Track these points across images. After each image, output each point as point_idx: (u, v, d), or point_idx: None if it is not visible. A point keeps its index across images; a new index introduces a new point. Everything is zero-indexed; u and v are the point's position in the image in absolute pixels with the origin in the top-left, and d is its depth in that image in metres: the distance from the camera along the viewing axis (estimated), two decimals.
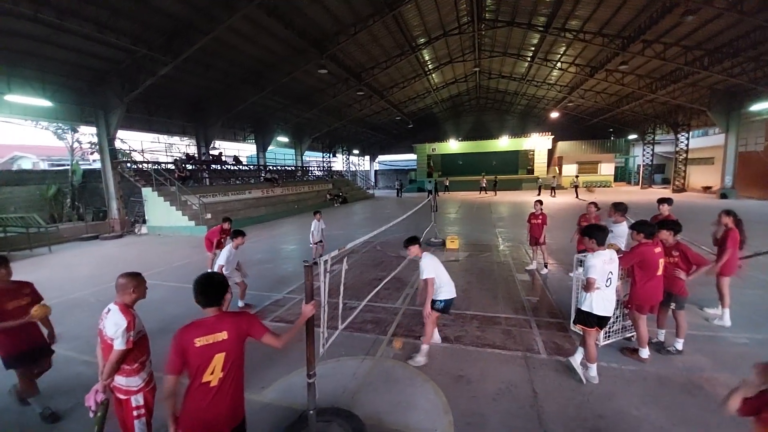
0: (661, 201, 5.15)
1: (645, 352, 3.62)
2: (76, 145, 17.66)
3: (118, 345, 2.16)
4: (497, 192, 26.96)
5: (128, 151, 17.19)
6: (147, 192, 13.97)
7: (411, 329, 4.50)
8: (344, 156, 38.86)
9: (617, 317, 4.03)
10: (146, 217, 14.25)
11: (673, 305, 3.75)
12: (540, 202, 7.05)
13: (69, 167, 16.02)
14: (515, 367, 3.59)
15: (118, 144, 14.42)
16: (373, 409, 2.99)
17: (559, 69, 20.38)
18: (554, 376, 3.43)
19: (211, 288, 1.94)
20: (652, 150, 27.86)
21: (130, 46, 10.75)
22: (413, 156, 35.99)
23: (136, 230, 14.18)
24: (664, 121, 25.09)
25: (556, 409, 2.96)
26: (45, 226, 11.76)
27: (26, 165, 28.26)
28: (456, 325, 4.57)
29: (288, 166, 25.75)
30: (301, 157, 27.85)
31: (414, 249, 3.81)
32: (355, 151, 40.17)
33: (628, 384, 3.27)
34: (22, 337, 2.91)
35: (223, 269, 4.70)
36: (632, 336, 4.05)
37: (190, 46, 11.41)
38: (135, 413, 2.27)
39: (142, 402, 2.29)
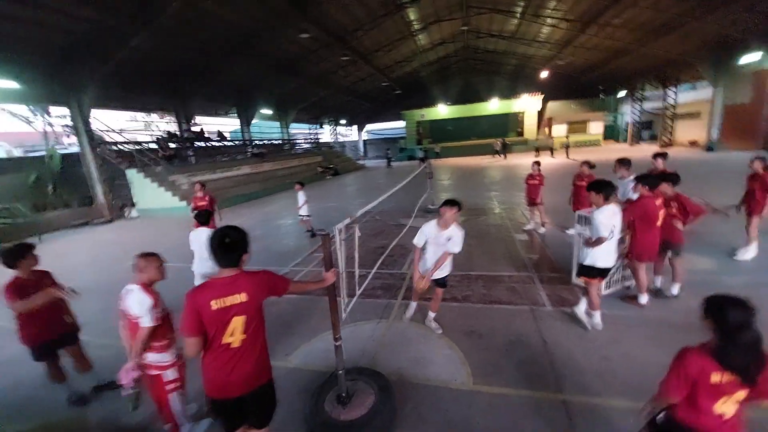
0: (656, 156, 5.23)
1: (644, 298, 3.83)
2: (48, 129, 16.73)
3: (146, 322, 2.19)
4: (506, 156, 25.93)
5: (105, 131, 16.40)
6: (131, 174, 13.53)
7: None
8: (331, 127, 37.89)
9: (617, 268, 4.21)
10: (134, 200, 13.91)
11: (669, 253, 3.93)
12: (538, 163, 7.09)
13: (45, 153, 15.28)
14: (523, 321, 3.77)
15: (95, 125, 13.70)
16: (393, 366, 3.15)
17: (550, 25, 19.71)
18: (560, 325, 3.63)
19: (227, 246, 1.76)
20: (641, 106, 27.85)
21: (95, 16, 9.94)
22: (402, 123, 35.28)
23: (126, 214, 13.88)
24: (655, 75, 24.89)
25: (565, 354, 3.16)
26: (30, 215, 11.41)
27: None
28: (462, 286, 4.73)
29: (274, 140, 25.06)
30: (288, 130, 27.05)
31: (451, 213, 3.40)
32: (343, 121, 39.17)
33: (630, 328, 3.48)
34: (48, 327, 2.87)
35: None
36: (630, 284, 4.26)
37: (160, 13, 10.62)
38: (169, 387, 2.35)
39: (175, 376, 2.37)
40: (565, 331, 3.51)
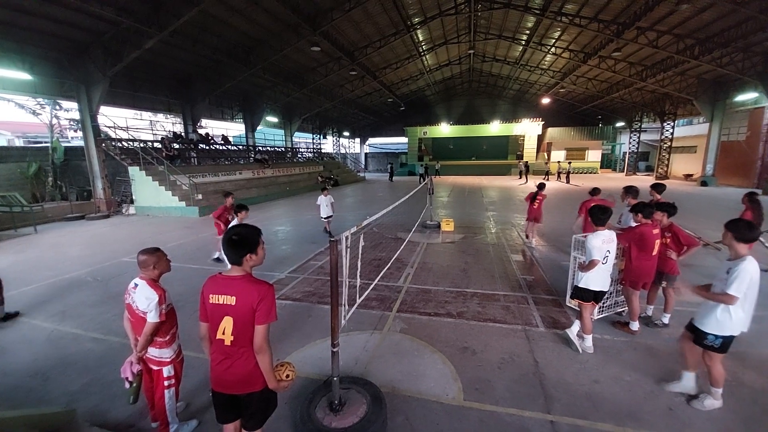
0: (654, 186, 5.43)
1: (635, 325, 3.89)
2: (54, 121, 16.83)
3: (152, 318, 2.22)
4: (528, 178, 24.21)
5: (111, 127, 16.52)
6: (134, 171, 13.56)
7: (414, 306, 4.68)
8: (334, 138, 38.32)
9: (610, 293, 4.28)
10: (134, 197, 13.91)
11: (663, 283, 4.01)
12: (543, 185, 7.50)
13: (49, 144, 15.33)
14: (516, 340, 3.81)
15: (101, 121, 13.82)
16: (385, 378, 3.16)
17: (553, 54, 20.37)
18: (553, 346, 3.66)
19: (232, 243, 1.80)
20: (638, 138, 28.47)
21: (114, 16, 10.19)
22: (404, 139, 35.77)
23: (124, 210, 13.86)
24: (652, 109, 25.60)
25: (555, 376, 3.18)
26: (28, 205, 11.37)
27: (0, 142, 26.88)
28: (458, 302, 4.77)
29: (278, 147, 25.29)
30: (291, 138, 27.34)
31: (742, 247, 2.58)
32: (346, 133, 39.65)
33: (620, 353, 3.53)
34: None
35: None
36: (623, 311, 4.32)
37: (177, 18, 10.92)
38: (166, 383, 2.37)
39: (172, 372, 2.39)
40: (556, 353, 3.55)
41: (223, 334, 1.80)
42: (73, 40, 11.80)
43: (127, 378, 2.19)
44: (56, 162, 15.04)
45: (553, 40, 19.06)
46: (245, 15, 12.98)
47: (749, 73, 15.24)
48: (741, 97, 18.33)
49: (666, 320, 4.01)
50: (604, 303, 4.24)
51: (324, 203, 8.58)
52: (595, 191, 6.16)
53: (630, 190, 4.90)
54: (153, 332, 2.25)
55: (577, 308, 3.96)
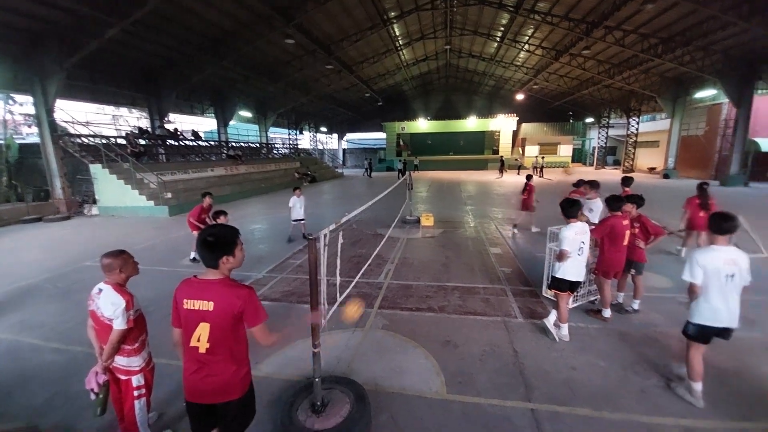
0: (623, 180, 5.72)
1: (607, 312, 4.05)
2: (7, 117, 15.57)
3: (119, 325, 2.08)
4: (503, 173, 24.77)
5: (70, 122, 15.47)
6: (96, 169, 12.77)
7: (395, 302, 4.66)
8: (311, 133, 37.67)
9: (584, 283, 4.43)
10: (96, 197, 13.12)
11: (632, 271, 4.18)
12: (530, 176, 8.47)
13: (2, 142, 14.16)
14: (496, 331, 3.87)
15: (59, 115, 12.88)
16: (369, 375, 3.13)
17: (527, 51, 20.83)
18: (531, 336, 3.75)
19: (206, 244, 1.69)
20: (606, 133, 29.71)
21: (70, 3, 9.48)
22: (382, 134, 35.67)
23: (86, 211, 13.05)
24: (619, 105, 26.75)
25: (535, 364, 3.26)
26: None
27: None
28: (439, 296, 4.80)
29: (252, 143, 24.57)
30: (266, 134, 26.62)
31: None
32: (323, 129, 39.08)
33: (594, 340, 3.66)
34: None
35: None
36: (595, 299, 4.48)
37: (140, 7, 10.28)
38: (136, 393, 2.23)
39: (143, 382, 2.25)
40: (535, 342, 3.64)
41: (198, 341, 1.70)
42: (27, 30, 10.88)
43: (92, 389, 2.04)
44: (10, 160, 13.92)
45: (527, 38, 19.49)
46: (214, 4, 12.42)
47: (708, 71, 16.16)
48: (700, 94, 19.47)
49: (636, 306, 4.20)
50: (578, 292, 4.38)
51: (297, 204, 7.80)
52: (579, 183, 6.37)
53: (593, 184, 5.26)
54: (119, 340, 2.10)
55: (553, 298, 4.07)
